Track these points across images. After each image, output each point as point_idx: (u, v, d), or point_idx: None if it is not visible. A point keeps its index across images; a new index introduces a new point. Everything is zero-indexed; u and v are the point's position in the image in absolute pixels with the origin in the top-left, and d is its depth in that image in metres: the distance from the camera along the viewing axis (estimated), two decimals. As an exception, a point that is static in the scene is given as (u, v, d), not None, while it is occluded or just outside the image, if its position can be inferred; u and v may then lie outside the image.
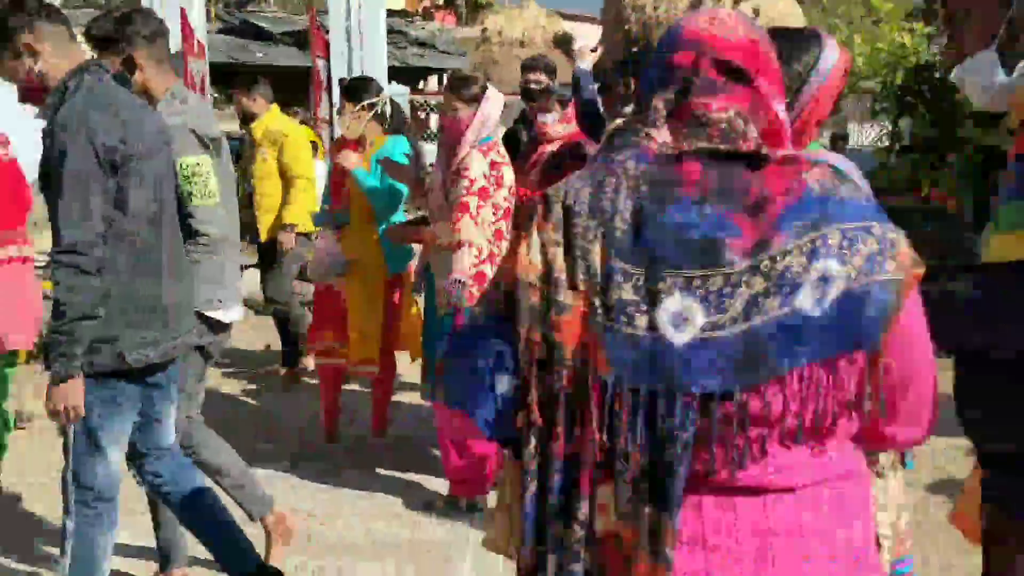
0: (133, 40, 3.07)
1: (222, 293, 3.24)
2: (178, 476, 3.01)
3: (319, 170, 15.10)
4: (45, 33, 2.67)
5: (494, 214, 3.78)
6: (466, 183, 3.71)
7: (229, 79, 19.90)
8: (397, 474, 4.59)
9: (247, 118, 6.14)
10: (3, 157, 4.30)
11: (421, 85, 22.31)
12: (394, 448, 4.94)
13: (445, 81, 5.97)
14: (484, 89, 3.86)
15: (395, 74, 15.45)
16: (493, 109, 3.87)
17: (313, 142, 15.37)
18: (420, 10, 29.37)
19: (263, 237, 6.09)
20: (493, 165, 3.79)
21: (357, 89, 4.65)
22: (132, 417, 2.85)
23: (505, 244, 3.87)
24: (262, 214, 6.05)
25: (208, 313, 3.19)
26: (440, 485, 4.37)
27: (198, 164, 3.03)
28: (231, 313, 3.32)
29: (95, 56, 3.04)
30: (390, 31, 15.68)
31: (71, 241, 2.50)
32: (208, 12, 16.81)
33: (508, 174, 3.87)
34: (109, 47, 3.08)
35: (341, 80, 4.97)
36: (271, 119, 6.08)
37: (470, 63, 20.80)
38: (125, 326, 2.67)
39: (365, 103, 4.61)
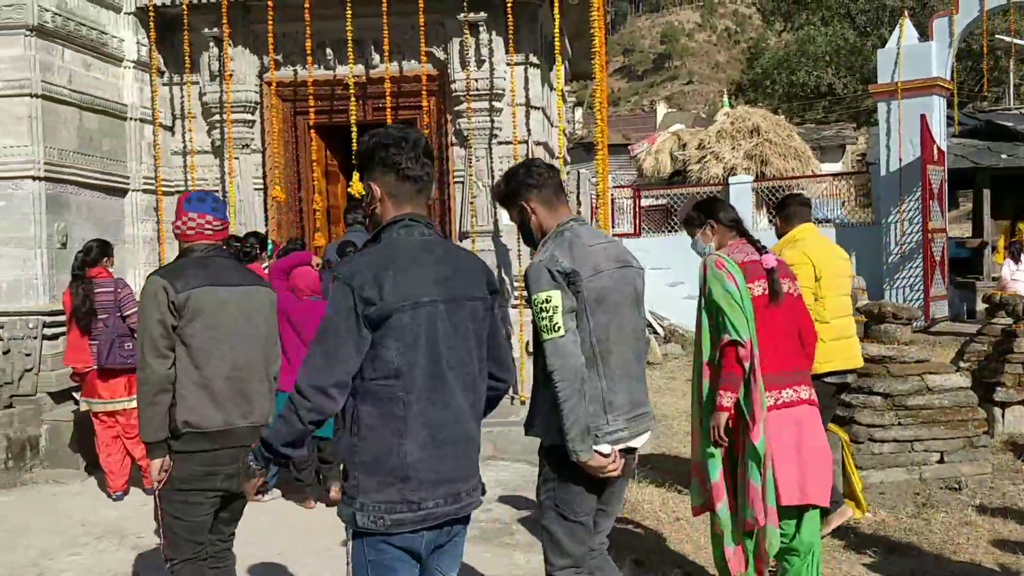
0: (521, 191, 3.42)
1: (601, 425, 3.22)
2: None
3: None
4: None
5: None
6: None
7: (968, 183, 18.67)
8: None
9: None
10: (792, 292, 4.16)
11: None
12: None
13: None
14: None
15: None
16: None
17: (1015, 244, 13.35)
18: None
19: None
20: None
21: None
22: None
23: None
24: None
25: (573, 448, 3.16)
26: None
27: (546, 299, 3.16)
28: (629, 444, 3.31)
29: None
30: None
31: (301, 384, 2.56)
32: (950, 117, 15.82)
33: None
34: (509, 202, 3.48)
35: None
36: (785, 243, 5.19)
37: None
38: (365, 486, 2.59)
39: None
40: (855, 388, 6.40)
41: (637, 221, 18.46)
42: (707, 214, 4.19)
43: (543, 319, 3.12)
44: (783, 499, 3.82)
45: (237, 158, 9.33)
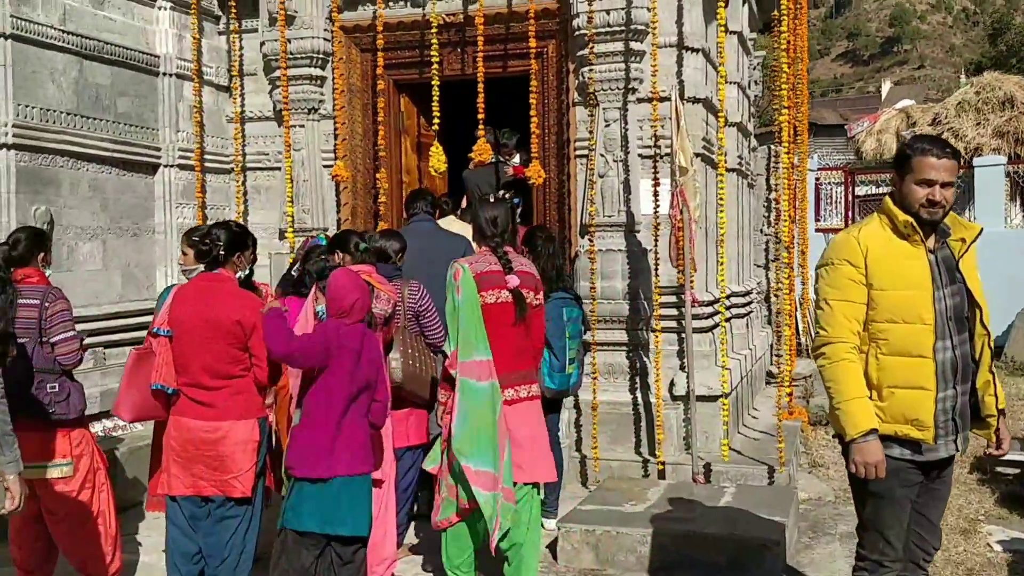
0: None
1: None
2: None
3: None
4: None
5: None
6: None
7: None
8: None
9: None
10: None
11: None
12: None
13: None
14: None
15: None
16: None
17: None
18: None
19: None
20: None
21: None
22: None
23: None
24: None
25: None
26: None
27: None
28: None
29: None
30: None
31: None
32: None
33: None
34: None
35: None
36: None
37: None
38: None
39: None
40: None
41: (849, 213, 15.08)
42: (472, 216, 4.55)
43: None
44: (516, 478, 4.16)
45: (302, 125, 7.22)
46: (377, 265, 5.11)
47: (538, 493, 4.35)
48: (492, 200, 4.40)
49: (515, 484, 4.17)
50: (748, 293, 8.36)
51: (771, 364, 9.49)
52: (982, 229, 3.41)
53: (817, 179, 15.24)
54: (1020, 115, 15.70)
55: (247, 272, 4.42)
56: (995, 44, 46.78)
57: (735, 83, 8.03)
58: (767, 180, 10.26)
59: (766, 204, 10.31)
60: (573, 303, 5.55)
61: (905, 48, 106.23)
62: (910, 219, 3.25)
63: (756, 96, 10.40)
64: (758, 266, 10.13)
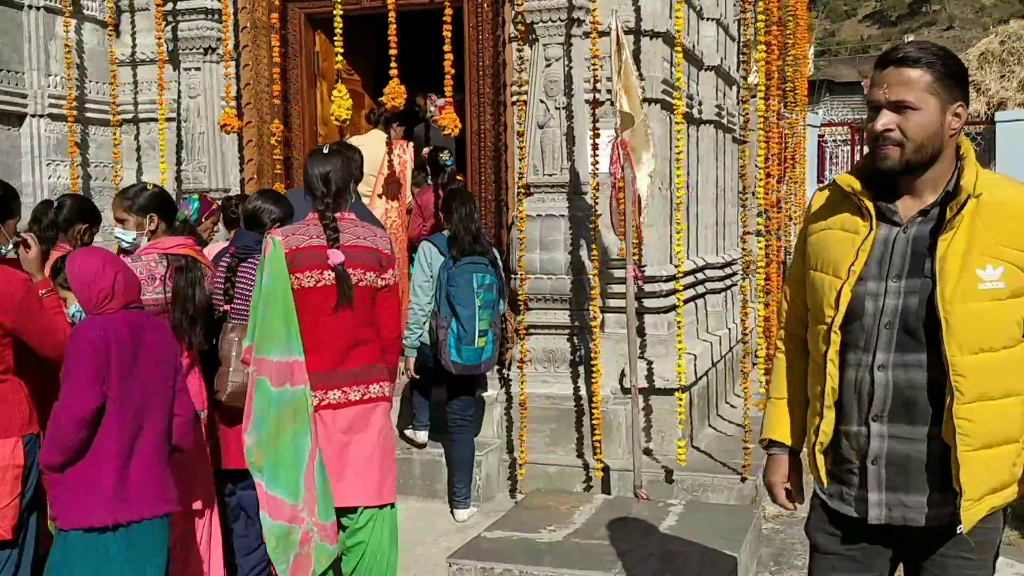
0: None
1: None
2: None
3: None
4: None
5: None
6: None
7: None
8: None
9: None
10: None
11: None
12: None
13: None
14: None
15: None
16: None
17: None
18: None
19: None
20: None
21: None
22: None
23: None
24: None
25: None
26: None
27: None
28: None
29: None
30: None
31: None
32: None
33: None
34: None
35: None
36: None
37: None
38: None
39: None
40: None
41: (859, 175, 13.83)
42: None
43: None
44: (338, 501, 3.37)
45: (197, 68, 6.18)
46: (243, 232, 4.10)
47: (392, 509, 3.57)
48: (326, 152, 3.42)
49: (360, 510, 3.40)
50: (729, 264, 7.27)
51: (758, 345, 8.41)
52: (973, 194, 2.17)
53: (821, 136, 14.00)
54: (1051, 67, 14.40)
55: (11, 246, 3.39)
56: (1027, 1, 44.93)
57: (713, 20, 6.88)
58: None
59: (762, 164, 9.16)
60: (487, 268, 4.68)
61: (934, 8, 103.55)
62: (851, 177, 2.19)
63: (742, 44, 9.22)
64: (749, 233, 9.03)
